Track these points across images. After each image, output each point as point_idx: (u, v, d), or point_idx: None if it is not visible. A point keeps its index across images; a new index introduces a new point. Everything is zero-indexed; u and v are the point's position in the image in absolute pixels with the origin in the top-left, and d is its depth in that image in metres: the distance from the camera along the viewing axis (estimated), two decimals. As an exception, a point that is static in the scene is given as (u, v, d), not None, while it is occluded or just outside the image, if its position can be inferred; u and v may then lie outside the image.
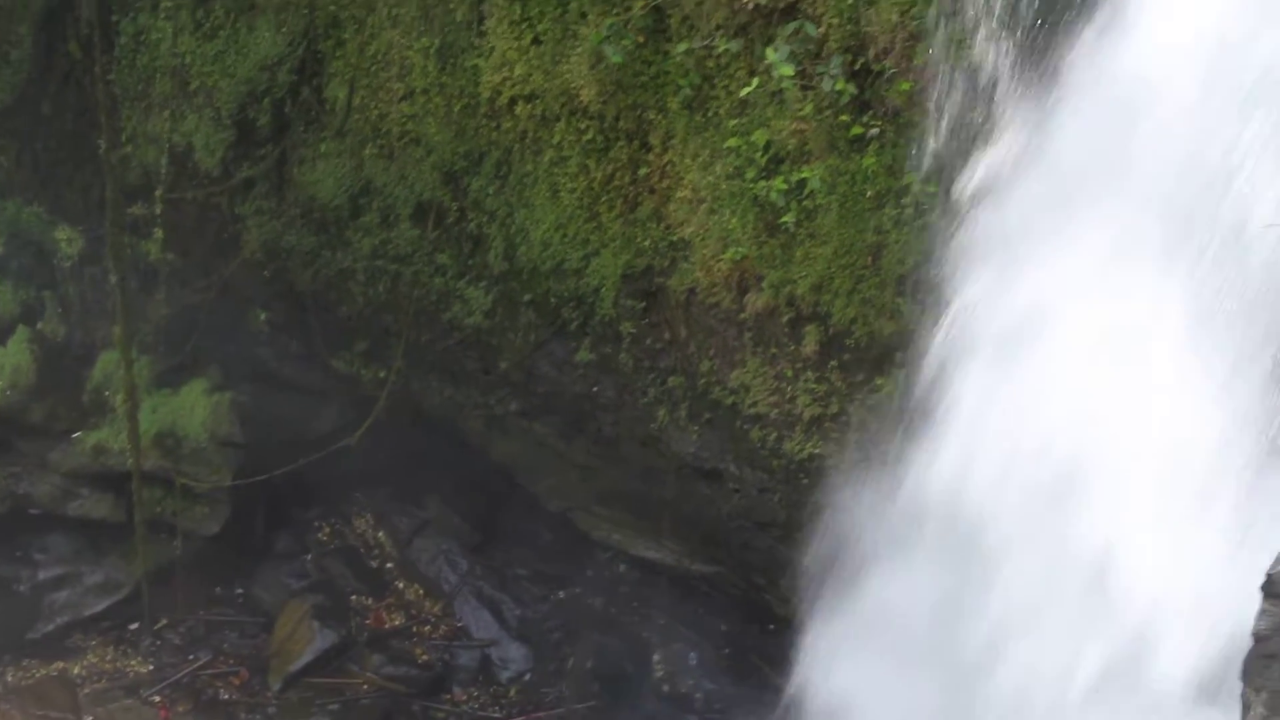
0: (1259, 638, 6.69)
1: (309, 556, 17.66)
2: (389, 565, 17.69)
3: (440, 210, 14.78)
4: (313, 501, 17.79)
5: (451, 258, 14.95)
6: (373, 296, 15.54)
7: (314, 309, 16.22)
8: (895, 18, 11.65)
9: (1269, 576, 6.65)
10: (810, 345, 13.07)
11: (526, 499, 17.19)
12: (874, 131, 12.07)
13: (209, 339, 16.58)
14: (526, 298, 14.69)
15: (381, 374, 16.15)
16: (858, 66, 11.99)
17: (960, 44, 11.02)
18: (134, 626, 16.96)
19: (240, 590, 17.53)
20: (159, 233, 15.64)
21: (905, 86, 11.76)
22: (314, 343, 16.56)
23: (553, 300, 14.52)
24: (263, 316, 16.53)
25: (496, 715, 16.65)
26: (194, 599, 17.21)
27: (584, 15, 13.09)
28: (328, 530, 17.88)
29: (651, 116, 13.22)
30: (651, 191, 13.54)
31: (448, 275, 15.03)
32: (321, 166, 15.09)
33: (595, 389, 14.88)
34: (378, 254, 15.20)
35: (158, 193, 15.54)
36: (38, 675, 16.44)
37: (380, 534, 17.82)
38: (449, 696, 16.78)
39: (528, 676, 16.92)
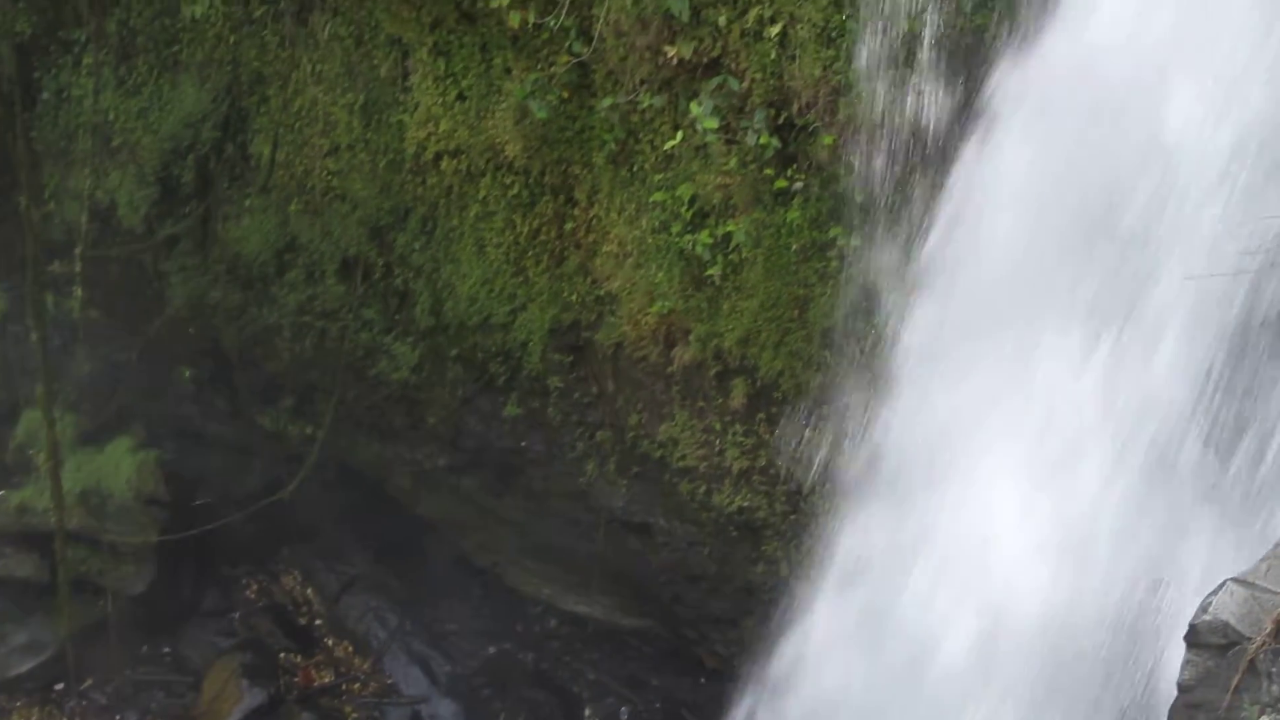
0: (1183, 688, 6.72)
1: (237, 614, 17.53)
2: (318, 622, 17.58)
3: (366, 266, 14.75)
4: (240, 559, 17.67)
5: (378, 313, 14.91)
6: (299, 352, 15.47)
7: (240, 365, 16.14)
8: (818, 72, 11.72)
9: (1192, 627, 6.68)
10: (738, 398, 13.09)
11: (456, 554, 17.13)
12: (798, 185, 12.13)
13: (134, 396, 16.47)
14: (454, 352, 14.66)
15: (308, 430, 16.07)
16: (781, 120, 12.05)
17: (882, 99, 11.10)
18: (59, 687, 16.77)
19: (167, 649, 17.36)
20: (79, 290, 15.53)
21: (829, 140, 11.82)
22: (240, 399, 16.48)
23: (480, 355, 14.49)
24: (188, 373, 16.43)
25: (427, 772, 16.55)
26: (120, 658, 17.03)
27: (508, 71, 13.10)
28: (255, 588, 17.75)
29: (577, 171, 13.24)
30: (578, 246, 13.55)
31: (374, 330, 14.99)
32: (246, 222, 15.03)
33: (523, 443, 14.85)
34: (304, 310, 15.14)
35: (79, 250, 15.45)
36: (-39, 737, 16.25)
37: (308, 591, 17.71)
38: (379, 754, 16.68)
39: (458, 733, 16.84)
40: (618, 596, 16.16)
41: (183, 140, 14.94)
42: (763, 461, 13.14)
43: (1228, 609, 6.56)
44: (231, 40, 14.51)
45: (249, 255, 15.12)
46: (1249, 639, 6.41)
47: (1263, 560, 6.75)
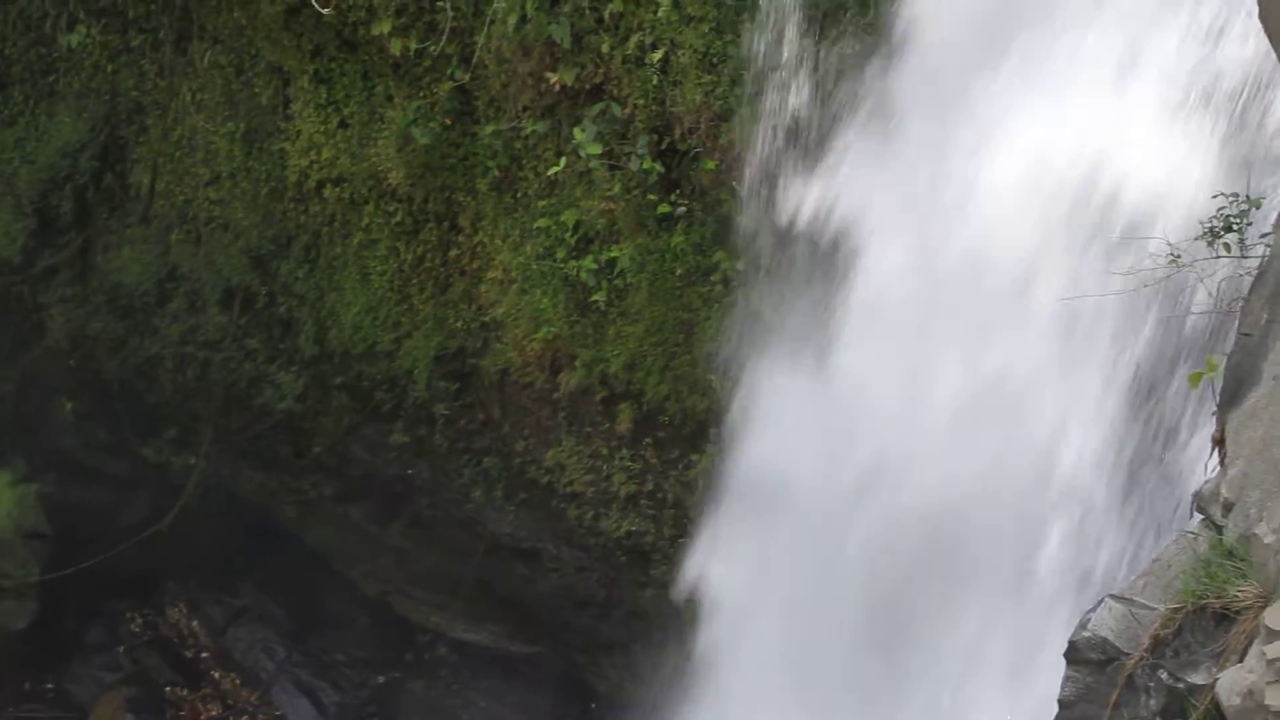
0: (1063, 704, 6.79)
1: (121, 649, 17.31)
2: (204, 655, 17.38)
3: (249, 295, 14.65)
4: (124, 592, 17.44)
5: (261, 342, 14.81)
6: (181, 383, 15.33)
7: (121, 397, 15.96)
8: (700, 98, 11.79)
9: (1071, 643, 6.76)
10: (624, 423, 13.10)
11: (343, 583, 16.99)
12: (682, 210, 12.18)
13: (13, 430, 16.23)
14: (338, 381, 14.59)
15: (192, 461, 15.92)
16: (664, 146, 12.11)
17: (763, 124, 11.19)
18: (-60, 726, 16.51)
19: (51, 685, 17.11)
20: (-46, 324, 15.33)
21: (711, 165, 11.88)
22: (122, 431, 16.29)
23: (365, 383, 14.43)
24: (69, 405, 16.23)
25: (318, 804, 16.41)
26: (3, 695, 16.77)
27: (390, 98, 13.08)
28: (140, 621, 17.53)
29: (461, 198, 13.24)
30: (462, 273, 13.54)
31: (258, 360, 14.88)
32: (126, 253, 14.89)
33: (410, 471, 14.79)
34: (186, 340, 15.01)
35: (-48, 283, 15.25)
36: None
37: (194, 623, 17.51)
38: (269, 786, 16.52)
39: (349, 763, 16.72)
40: (507, 623, 16.10)
41: (60, 170, 14.79)
42: (650, 486, 13.16)
43: (1106, 625, 6.64)
44: (109, 69, 14.39)
45: (129, 285, 14.97)
46: (1127, 654, 6.49)
47: (1140, 576, 6.84)
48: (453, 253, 13.49)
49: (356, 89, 13.28)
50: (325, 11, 12.43)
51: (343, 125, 13.43)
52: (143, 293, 14.99)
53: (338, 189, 13.72)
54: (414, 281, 13.77)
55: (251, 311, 14.72)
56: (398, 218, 13.57)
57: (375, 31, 12.69)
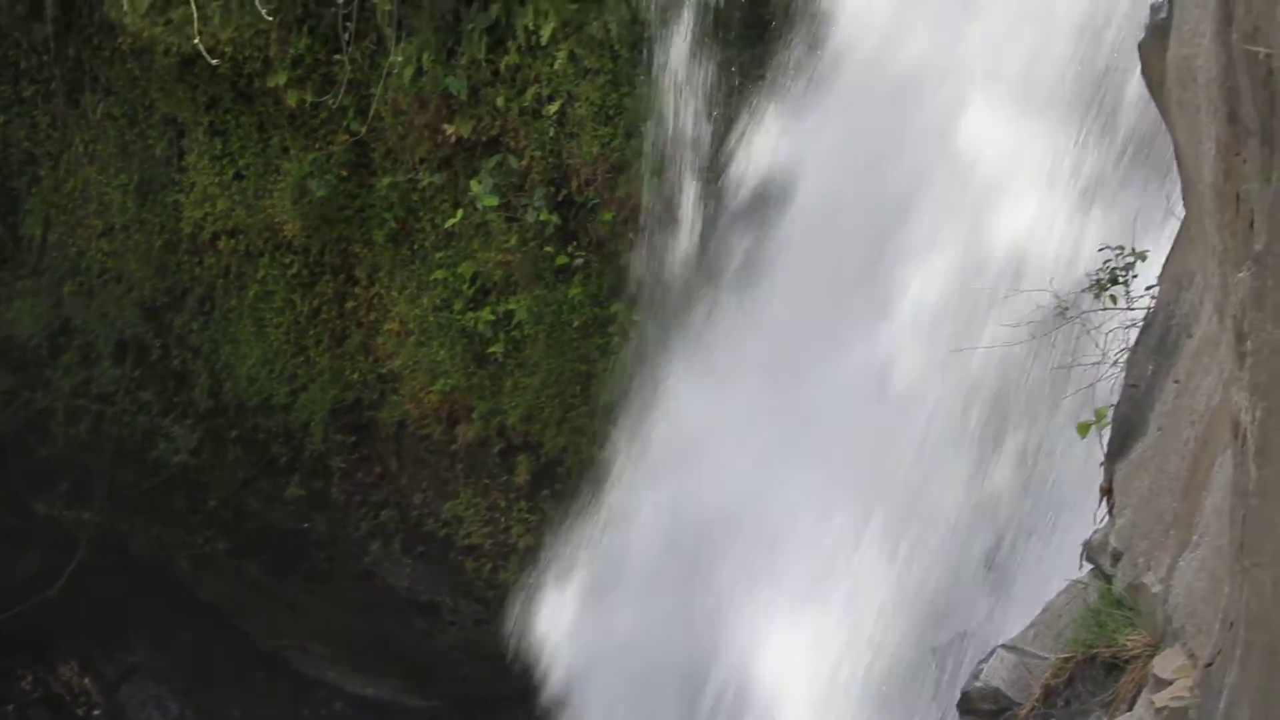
0: (957, 755, 6.83)
1: (10, 707, 17.04)
2: (96, 713, 17.14)
3: (143, 347, 14.52)
4: (15, 649, 17.18)
5: (155, 395, 14.67)
6: (74, 436, 15.16)
7: (12, 450, 15.74)
8: (596, 150, 11.84)
9: (964, 694, 6.79)
10: (522, 475, 13.10)
11: (238, 638, 16.82)
12: (579, 262, 12.22)
13: (-100, 486, 15.99)
14: (234, 434, 14.47)
15: (85, 515, 15.73)
16: (561, 198, 12.15)
17: (659, 177, 11.25)
18: None
19: (-62, 745, 16.82)
20: None
21: (608, 217, 11.94)
22: (13, 485, 16.06)
23: (261, 436, 14.32)
24: (-42, 460, 16.01)
25: None
26: (-112, 757, 16.47)
27: (286, 150, 13.04)
28: (30, 679, 17.27)
29: (357, 250, 13.20)
30: (359, 325, 13.49)
31: (152, 413, 14.75)
32: (18, 305, 14.71)
33: (307, 525, 14.69)
34: (79, 393, 14.85)
35: None
36: None
37: (86, 680, 17.28)
38: (162, 846, 16.29)
39: (244, 821, 16.51)
40: (406, 678, 16.00)
41: (-52, 222, 14.63)
42: (548, 539, 13.12)
43: (998, 675, 6.68)
44: (0, 120, 14.25)
45: (21, 338, 14.80)
46: (1019, 704, 6.53)
47: (1031, 626, 6.89)
48: (349, 305, 13.45)
49: (252, 141, 13.23)
50: (219, 63, 12.37)
51: (238, 177, 13.36)
52: (34, 345, 14.82)
53: (233, 241, 13.64)
54: (310, 333, 13.70)
55: (145, 364, 14.58)
56: (294, 270, 13.51)
57: (271, 83, 12.66)
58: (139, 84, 13.52)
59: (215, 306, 14.08)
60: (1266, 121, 4.96)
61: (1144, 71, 6.37)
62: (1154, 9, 6.17)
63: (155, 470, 15.07)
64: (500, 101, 12.09)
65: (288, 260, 13.51)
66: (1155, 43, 6.15)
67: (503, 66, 12.00)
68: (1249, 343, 4.94)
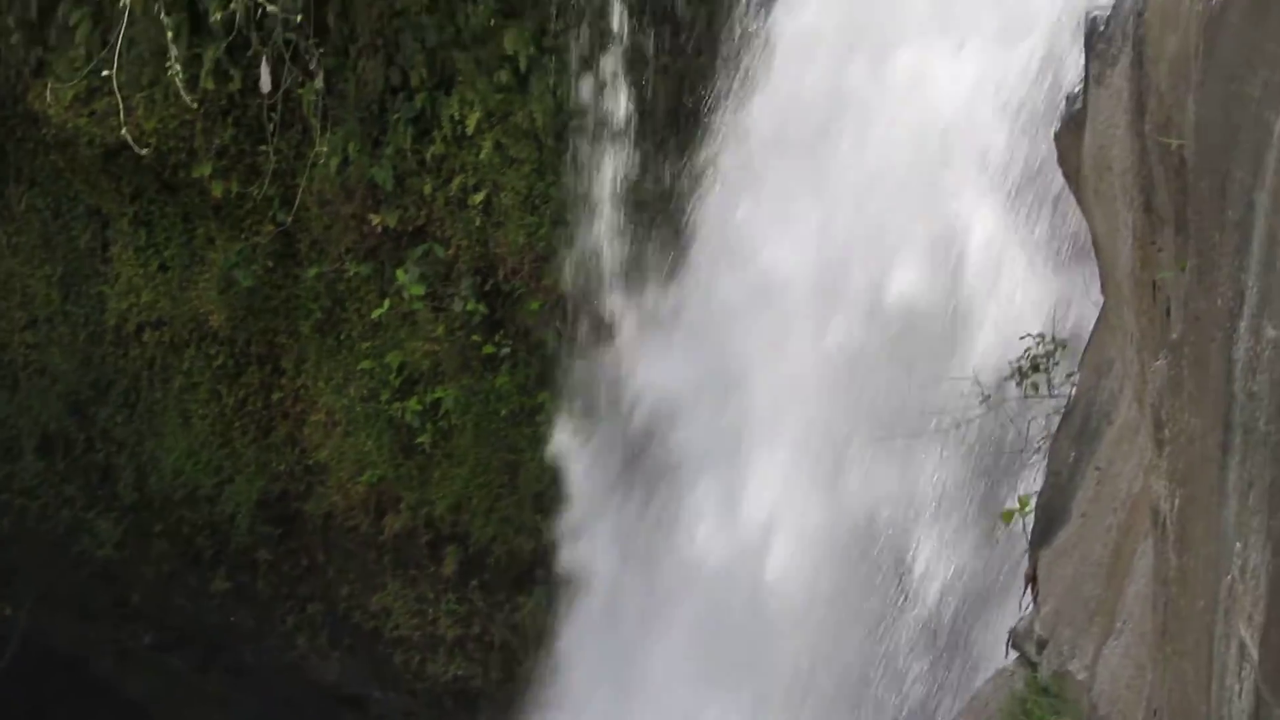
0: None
1: (-68, 810, 16.72)
2: (19, 814, 16.85)
3: (67, 441, 14.38)
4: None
5: (80, 489, 14.52)
6: (-3, 531, 14.99)
7: (-65, 546, 15.55)
8: (522, 239, 11.85)
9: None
10: (450, 565, 13.01)
11: (164, 734, 16.62)
12: (506, 351, 12.20)
13: None
14: (159, 528, 14.32)
15: (8, 611, 15.50)
16: (488, 287, 12.15)
17: (582, 267, 11.30)
18: None
19: None
20: None
21: (535, 305, 11.93)
22: (-65, 582, 15.85)
23: (186, 529, 14.18)
24: (-121, 556, 15.78)
25: None
26: None
27: (211, 240, 12.99)
28: (-49, 779, 16.98)
29: (283, 340, 13.14)
30: (285, 416, 13.41)
31: (76, 507, 14.59)
32: (-60, 399, 14.58)
33: (232, 619, 14.52)
34: (2, 487, 14.68)
35: None
36: None
37: (9, 781, 16.99)
38: None
39: None
40: (334, 771, 15.83)
41: None
42: (476, 629, 13.05)
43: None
44: (-79, 213, 14.16)
45: (-58, 432, 14.65)
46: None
47: (959, 715, 6.87)
48: (275, 396, 13.37)
49: (177, 231, 13.17)
50: (144, 153, 12.33)
51: (163, 268, 13.29)
52: (-43, 439, 14.66)
53: (158, 332, 13.56)
54: (236, 425, 13.61)
55: (69, 458, 14.44)
56: (219, 361, 13.43)
57: (196, 174, 12.63)
58: (63, 176, 13.45)
59: (140, 399, 13.97)
60: (1180, 211, 5.01)
61: (1060, 161, 6.43)
62: (1069, 100, 6.24)
63: (79, 565, 14.89)
64: (426, 191, 12.09)
65: (213, 351, 13.43)
66: (1071, 133, 6.21)
67: (429, 156, 12.01)
68: (1167, 430, 4.97)
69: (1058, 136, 6.42)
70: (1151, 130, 5.28)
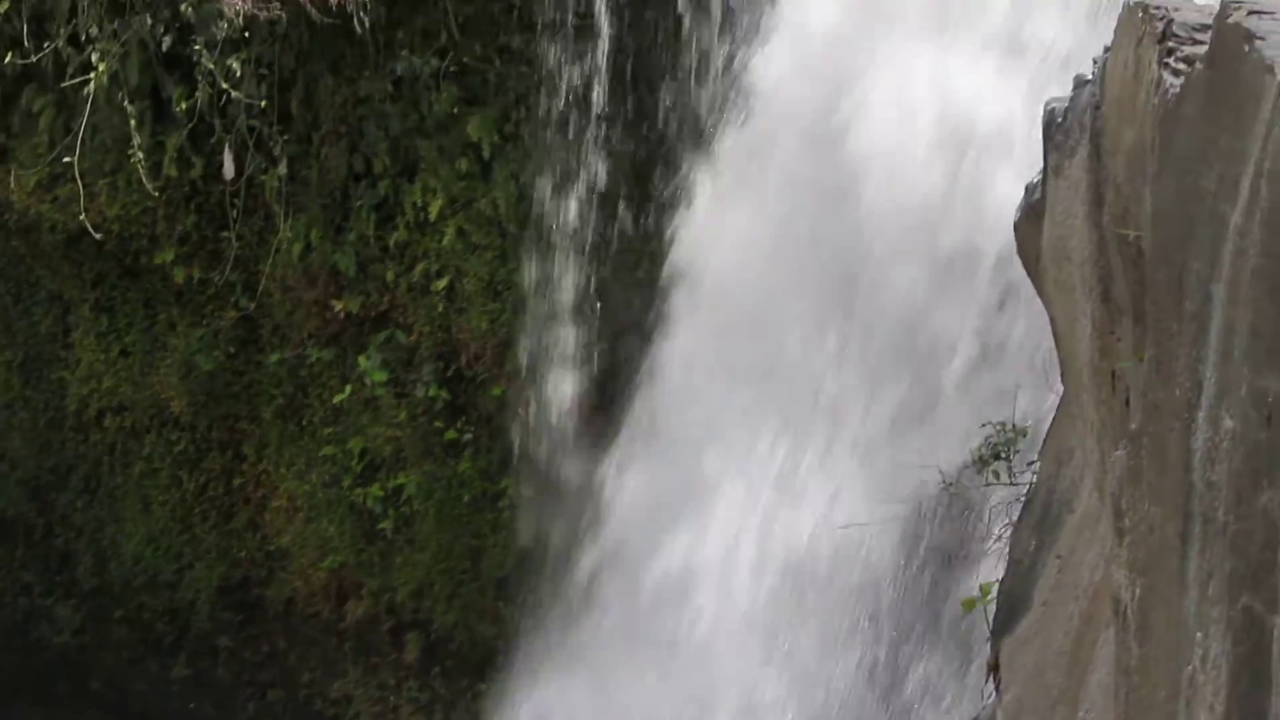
0: None
1: None
2: None
3: (26, 526, 14.29)
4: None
5: (38, 576, 14.41)
6: (-47, 618, 14.86)
7: (-110, 634, 15.42)
8: (485, 325, 11.89)
9: None
10: (412, 652, 12.97)
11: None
12: (468, 437, 12.22)
13: None
14: (118, 614, 14.22)
15: (-35, 699, 15.37)
16: (450, 372, 12.17)
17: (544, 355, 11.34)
18: None
19: None
20: None
21: (498, 391, 11.95)
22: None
23: (146, 615, 14.09)
24: None
25: None
26: None
27: (173, 326, 12.98)
28: None
29: (245, 426, 13.12)
30: (247, 501, 13.37)
31: (34, 594, 14.47)
32: (-102, 484, 14.48)
33: (192, 705, 14.41)
34: (-41, 575, 14.58)
35: None
36: None
37: None
38: None
39: None
40: None
41: None
42: (438, 717, 12.98)
43: None
44: (-119, 299, 14.12)
45: (-100, 518, 14.55)
46: None
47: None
48: (237, 481, 13.34)
49: (138, 317, 13.16)
50: (106, 240, 12.34)
51: (124, 354, 13.27)
52: (-87, 525, 14.56)
53: (119, 418, 13.51)
54: (197, 511, 13.56)
55: (28, 544, 14.34)
56: (180, 446, 13.40)
57: (158, 260, 12.64)
58: (24, 261, 13.43)
59: (100, 484, 13.91)
60: (1139, 301, 5.06)
61: (1020, 251, 6.48)
62: (1028, 190, 6.30)
63: (37, 652, 14.77)
64: (389, 277, 12.13)
65: (174, 437, 13.40)
66: (1030, 223, 6.26)
67: (391, 243, 12.05)
68: (1127, 519, 4.99)
69: (1017, 226, 6.47)
70: (1109, 221, 5.33)
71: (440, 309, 12.03)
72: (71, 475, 14.00)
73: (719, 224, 10.19)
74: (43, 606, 14.50)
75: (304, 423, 12.84)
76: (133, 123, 11.70)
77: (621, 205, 11.35)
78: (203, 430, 13.30)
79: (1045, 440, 6.83)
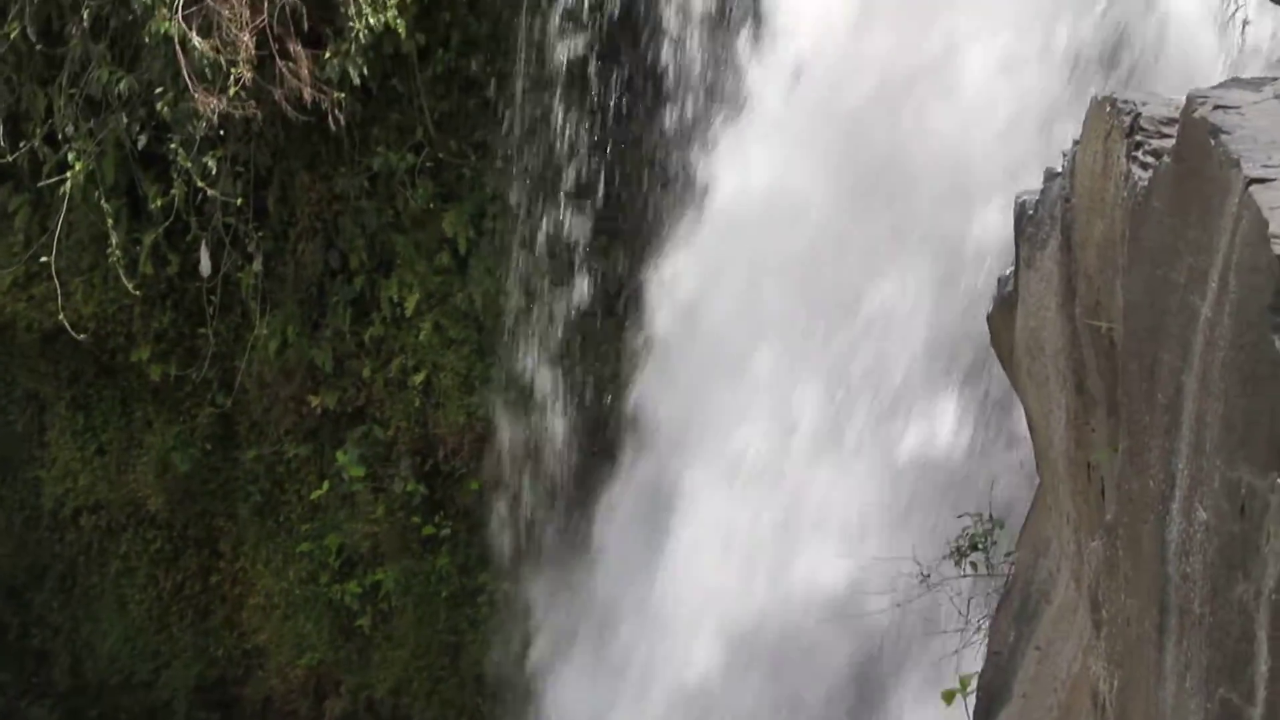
0: None
1: None
2: None
3: (1, 626, 14.20)
4: None
5: (13, 676, 14.31)
6: (-72, 721, 14.73)
7: None
8: (462, 419, 11.87)
9: None
10: (391, 749, 12.87)
11: None
12: (446, 532, 12.17)
13: None
14: (94, 714, 14.11)
15: (-61, 803, 15.22)
16: (428, 467, 12.14)
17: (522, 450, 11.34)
18: None
19: None
20: None
21: (475, 486, 11.92)
22: None
23: (122, 716, 13.98)
24: None
25: None
26: None
27: (149, 424, 12.95)
28: None
29: (221, 523, 13.07)
30: (223, 599, 13.30)
31: (8, 695, 14.36)
32: None
33: (170, 807, 14.30)
34: (-67, 675, 14.47)
35: None
36: None
37: None
38: None
39: None
40: None
41: None
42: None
43: None
44: None
45: (-126, 621, 14.45)
46: None
47: None
48: (213, 579, 13.27)
49: (115, 415, 13.13)
50: (82, 338, 12.33)
51: (100, 452, 13.23)
52: (-112, 627, 14.46)
53: (95, 517, 13.46)
54: (173, 609, 13.48)
55: (3, 644, 14.25)
56: (156, 544, 13.33)
57: (135, 358, 12.62)
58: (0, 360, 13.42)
59: (76, 584, 13.83)
60: (1112, 393, 5.08)
61: (993, 342, 6.51)
62: (1001, 282, 6.33)
63: (12, 753, 14.67)
64: (366, 373, 12.12)
65: (151, 535, 13.34)
66: (1003, 315, 6.29)
67: (367, 338, 12.05)
68: (1104, 611, 4.99)
69: (990, 318, 6.50)
70: (1081, 313, 5.35)
71: (417, 403, 12.01)
72: (47, 575, 13.93)
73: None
74: (17, 708, 14.38)
75: (281, 519, 12.79)
76: (109, 221, 11.71)
77: (593, 299, 11.39)
78: (179, 528, 13.25)
79: (1022, 531, 6.83)
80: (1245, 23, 7.21)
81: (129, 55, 11.54)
